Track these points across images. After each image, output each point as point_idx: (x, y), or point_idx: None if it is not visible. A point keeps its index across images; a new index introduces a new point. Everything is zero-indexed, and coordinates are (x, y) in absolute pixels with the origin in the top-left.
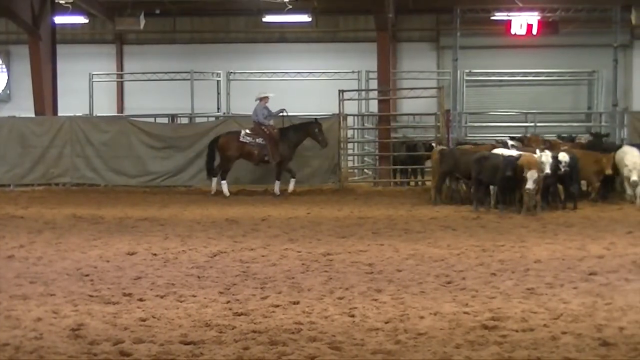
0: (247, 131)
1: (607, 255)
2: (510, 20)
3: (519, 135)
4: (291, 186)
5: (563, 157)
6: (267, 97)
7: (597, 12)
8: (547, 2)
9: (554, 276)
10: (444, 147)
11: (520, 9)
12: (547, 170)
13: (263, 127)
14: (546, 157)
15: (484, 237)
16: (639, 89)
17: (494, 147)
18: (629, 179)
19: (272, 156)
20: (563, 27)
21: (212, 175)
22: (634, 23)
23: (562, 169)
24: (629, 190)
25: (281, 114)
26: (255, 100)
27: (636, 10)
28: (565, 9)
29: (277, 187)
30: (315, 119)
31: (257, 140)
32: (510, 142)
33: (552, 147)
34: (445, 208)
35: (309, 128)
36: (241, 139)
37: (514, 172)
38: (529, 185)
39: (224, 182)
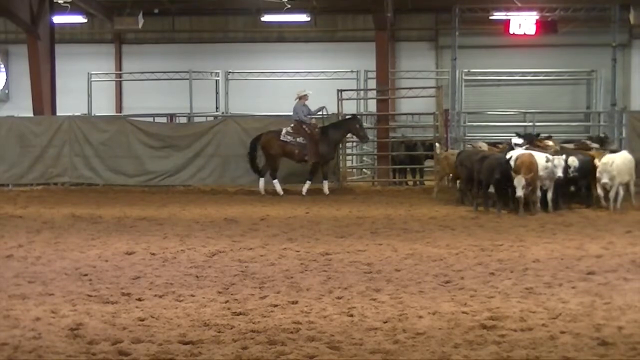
0: (289, 130)
1: (606, 254)
2: (509, 20)
3: (524, 133)
4: (325, 188)
5: (572, 161)
6: (306, 95)
7: (596, 11)
8: (546, 1)
9: (553, 276)
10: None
11: (519, 9)
12: (560, 174)
13: (304, 126)
14: (559, 161)
15: (482, 236)
16: (637, 88)
17: (511, 147)
18: (600, 180)
19: (311, 156)
20: (562, 27)
21: (260, 175)
22: (633, 22)
23: (571, 174)
24: (601, 194)
25: (320, 112)
26: (295, 100)
27: (635, 10)
28: (564, 9)
29: (325, 186)
30: (355, 114)
31: (297, 139)
32: (514, 142)
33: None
34: (444, 208)
35: (350, 124)
36: (282, 138)
37: (502, 173)
38: (518, 192)
39: (275, 181)
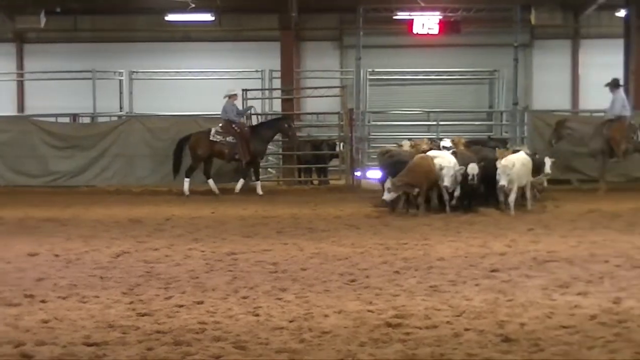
0: (218, 129)
1: (509, 252)
2: (413, 20)
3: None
4: (258, 188)
5: (472, 169)
6: (235, 95)
7: (498, 12)
8: (449, 2)
9: (457, 273)
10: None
11: (422, 9)
12: (447, 183)
13: (234, 125)
14: (447, 170)
15: (387, 235)
16: (538, 87)
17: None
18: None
19: (243, 155)
20: (464, 27)
21: (186, 175)
22: (534, 23)
23: (469, 182)
24: (500, 197)
25: (249, 111)
26: (224, 98)
27: (536, 10)
28: (467, 9)
29: (258, 187)
30: (284, 114)
31: (227, 138)
32: (442, 144)
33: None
34: (349, 207)
35: (279, 124)
36: (211, 138)
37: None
38: (385, 195)
39: (187, 179)
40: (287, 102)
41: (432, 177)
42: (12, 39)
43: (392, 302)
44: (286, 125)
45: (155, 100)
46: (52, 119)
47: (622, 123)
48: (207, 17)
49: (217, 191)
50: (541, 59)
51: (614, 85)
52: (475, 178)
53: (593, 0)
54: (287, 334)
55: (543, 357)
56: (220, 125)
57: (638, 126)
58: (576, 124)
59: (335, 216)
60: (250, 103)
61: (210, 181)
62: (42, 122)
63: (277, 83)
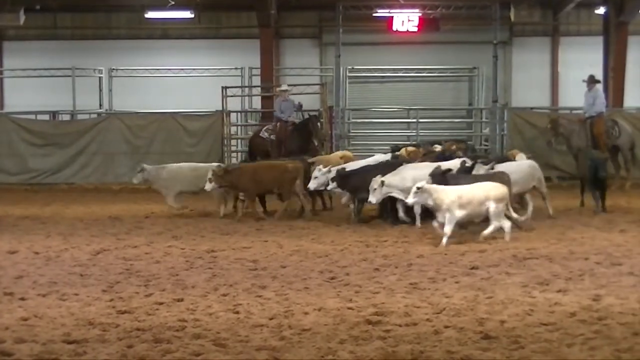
0: (269, 127)
1: (488, 249)
2: (392, 17)
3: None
4: None
5: (333, 172)
6: (283, 92)
7: (477, 9)
8: None
9: (436, 271)
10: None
11: (401, 6)
12: (312, 186)
13: (278, 124)
14: (316, 172)
15: (367, 233)
16: (517, 85)
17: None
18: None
19: (274, 151)
20: (444, 24)
21: None
22: (513, 20)
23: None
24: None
25: (296, 109)
26: (275, 97)
27: (515, 8)
28: (446, 6)
29: None
30: (314, 114)
31: (271, 136)
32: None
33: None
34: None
35: (308, 123)
36: (261, 134)
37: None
38: (206, 186)
39: None
40: (266, 100)
41: (265, 182)
42: None
43: (372, 299)
44: (310, 125)
45: (134, 98)
46: (32, 117)
47: (602, 119)
48: (187, 14)
49: None
50: (520, 57)
51: (590, 81)
52: (331, 183)
53: None
54: (267, 332)
55: (523, 355)
56: (273, 123)
57: (615, 122)
58: (566, 122)
59: (314, 213)
60: (229, 100)
61: None
62: (22, 120)
63: (256, 80)
